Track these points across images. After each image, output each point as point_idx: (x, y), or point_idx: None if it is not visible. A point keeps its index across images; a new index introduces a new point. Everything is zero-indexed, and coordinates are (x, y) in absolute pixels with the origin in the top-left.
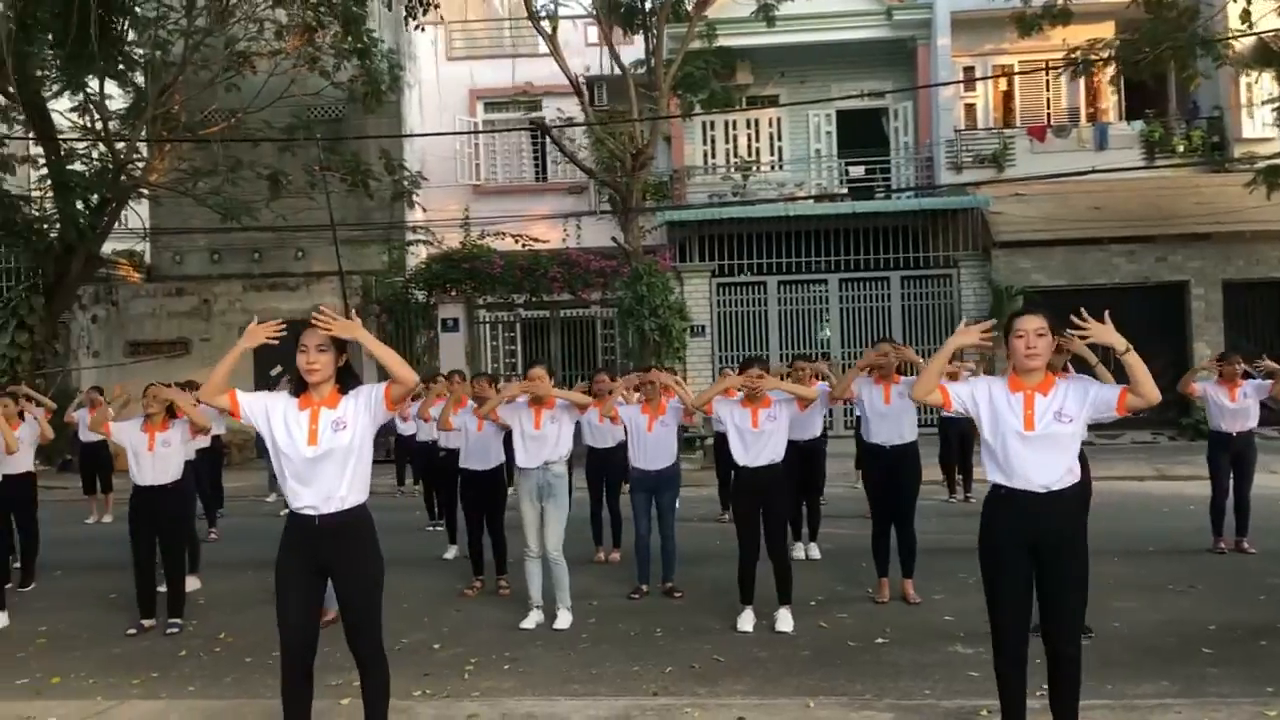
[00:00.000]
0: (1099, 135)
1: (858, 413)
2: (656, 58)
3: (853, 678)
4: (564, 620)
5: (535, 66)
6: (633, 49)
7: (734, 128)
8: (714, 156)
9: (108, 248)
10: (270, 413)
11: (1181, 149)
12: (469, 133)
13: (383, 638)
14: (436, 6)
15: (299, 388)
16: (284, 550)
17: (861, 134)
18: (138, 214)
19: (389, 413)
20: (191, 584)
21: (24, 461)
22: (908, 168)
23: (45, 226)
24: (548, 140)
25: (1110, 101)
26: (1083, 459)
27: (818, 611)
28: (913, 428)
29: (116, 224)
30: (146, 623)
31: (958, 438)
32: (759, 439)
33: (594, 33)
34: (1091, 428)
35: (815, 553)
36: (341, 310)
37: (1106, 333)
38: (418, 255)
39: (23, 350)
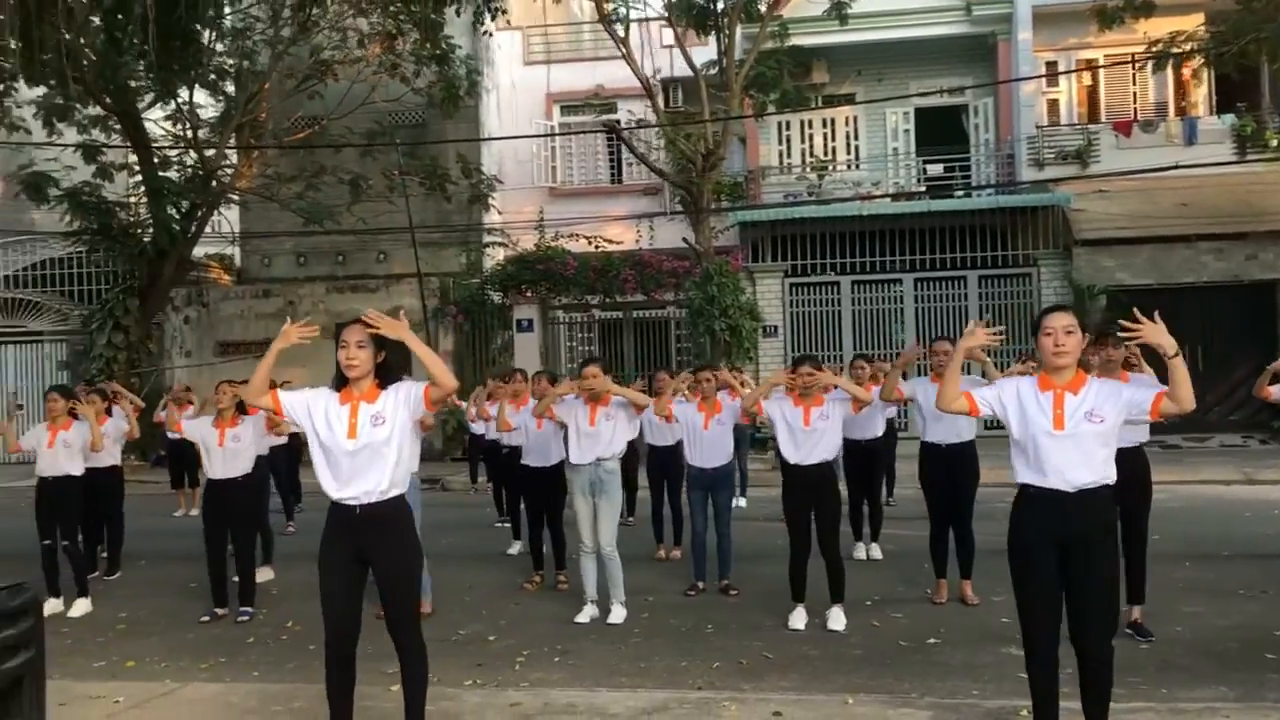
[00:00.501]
0: (1188, 130)
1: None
2: (728, 58)
3: (900, 677)
4: (617, 615)
5: (612, 69)
6: (708, 50)
7: (809, 127)
8: (789, 156)
9: (200, 251)
10: (312, 409)
11: (1275, 143)
12: (542, 136)
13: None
14: (504, 12)
15: (340, 383)
16: (325, 540)
17: (940, 132)
18: (227, 219)
19: (427, 411)
20: (265, 575)
21: (110, 456)
22: (988, 165)
23: (139, 231)
24: (624, 144)
25: (1200, 95)
26: (1144, 460)
27: (873, 611)
28: (970, 426)
29: (208, 229)
30: (219, 610)
31: None
32: (810, 437)
33: (671, 34)
34: (1178, 429)
35: (876, 553)
36: (419, 312)
37: (1157, 333)
38: (495, 257)
39: (119, 350)
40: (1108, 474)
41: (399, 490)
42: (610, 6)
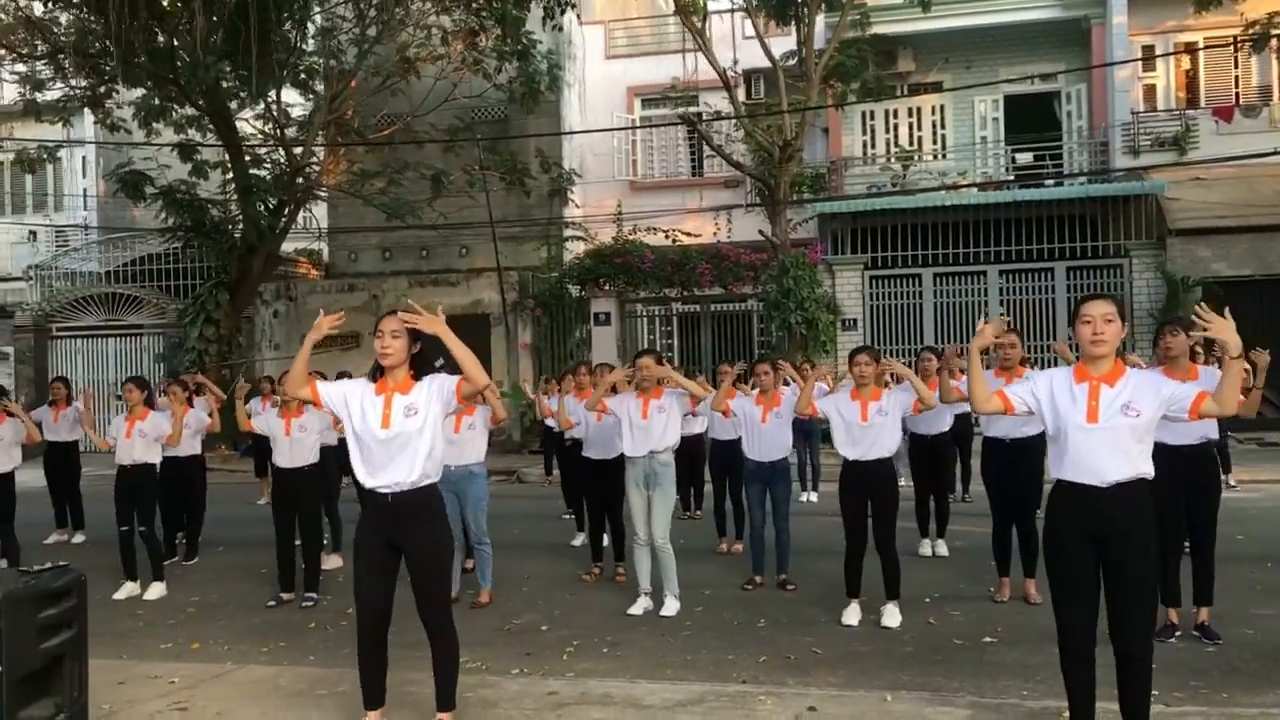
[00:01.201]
0: None
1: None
2: (807, 48)
3: (950, 675)
4: (671, 607)
5: (693, 62)
6: (790, 40)
7: (894, 117)
8: (873, 147)
9: (290, 247)
10: (349, 399)
11: None
12: (619, 129)
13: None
14: (574, 6)
15: (377, 374)
16: (360, 527)
17: (1031, 119)
18: (314, 216)
19: (458, 405)
20: (333, 562)
21: (191, 446)
22: (1080, 153)
23: (230, 228)
24: (715, 134)
25: None
26: (1210, 458)
27: (931, 608)
28: (1037, 421)
29: (298, 224)
30: (285, 596)
31: None
32: (867, 433)
33: (749, 27)
34: (1260, 427)
35: (943, 549)
36: (499, 305)
37: (1225, 330)
38: (575, 251)
39: (210, 343)
40: (1143, 468)
41: (431, 480)
42: None
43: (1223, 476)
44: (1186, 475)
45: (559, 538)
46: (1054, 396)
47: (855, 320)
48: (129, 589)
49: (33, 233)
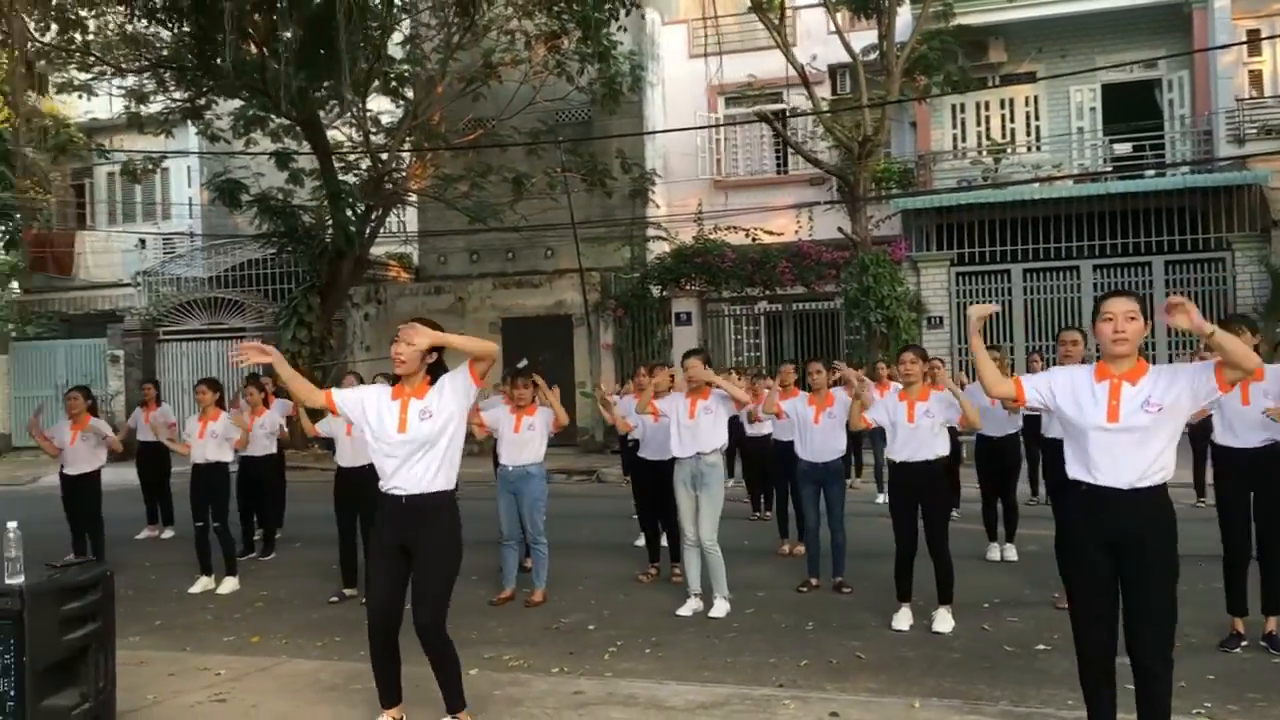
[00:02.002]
0: None
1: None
2: (888, 42)
3: (994, 683)
4: (720, 609)
5: (777, 59)
6: (874, 35)
7: (985, 109)
8: (964, 140)
9: (381, 251)
10: (365, 404)
11: None
12: (698, 128)
13: (446, 617)
14: (638, 6)
15: (394, 378)
16: (375, 529)
17: (1131, 109)
18: (401, 221)
19: (477, 388)
20: None
21: (266, 445)
22: (1183, 143)
23: (320, 233)
24: (787, 132)
25: None
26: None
27: (988, 614)
28: None
29: (390, 228)
30: (348, 592)
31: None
32: (915, 434)
33: (839, 20)
34: None
35: (1011, 554)
36: (581, 306)
37: (1184, 316)
38: (658, 251)
39: (303, 345)
40: (1165, 471)
41: (445, 485)
42: None
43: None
44: (1252, 477)
45: (626, 538)
46: (1074, 393)
47: (941, 318)
48: (203, 583)
49: (142, 240)
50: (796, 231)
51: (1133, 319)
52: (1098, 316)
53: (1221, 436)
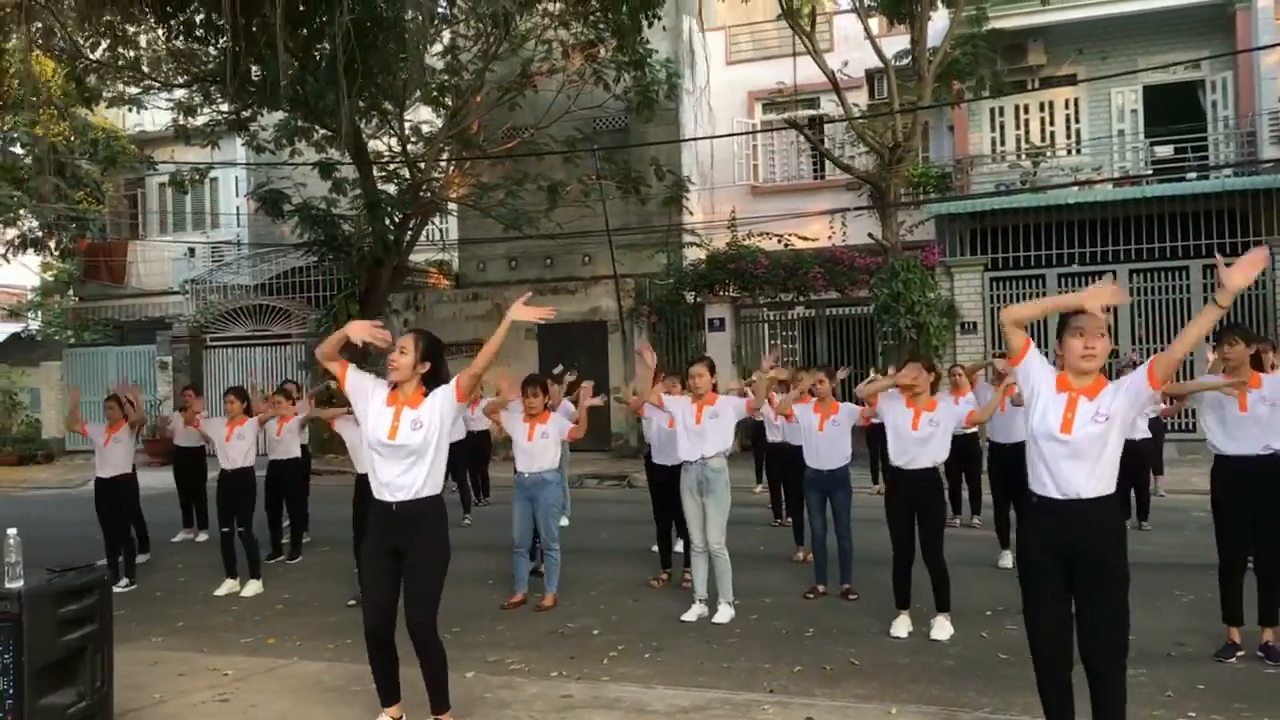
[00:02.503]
0: None
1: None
2: (919, 47)
3: (984, 691)
4: (724, 614)
5: (808, 65)
6: (908, 40)
7: (1024, 112)
8: (1003, 144)
9: (421, 258)
10: (370, 399)
11: None
12: (732, 135)
13: (437, 619)
14: (659, 18)
15: (392, 383)
16: (367, 534)
17: (1173, 111)
18: (438, 228)
19: (460, 404)
20: None
21: (293, 448)
22: (1226, 145)
23: (359, 241)
24: (825, 139)
25: None
26: None
27: (989, 622)
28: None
29: (427, 237)
30: None
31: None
32: (916, 443)
33: (873, 26)
34: None
35: None
36: (615, 313)
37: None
38: (695, 258)
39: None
40: (1112, 482)
41: (433, 490)
42: (799, 1)
43: (1153, 479)
44: (1251, 486)
45: (644, 543)
46: (1039, 398)
47: (975, 324)
48: (229, 586)
49: (191, 249)
50: (830, 237)
51: (1102, 336)
52: (1066, 331)
53: (1221, 445)
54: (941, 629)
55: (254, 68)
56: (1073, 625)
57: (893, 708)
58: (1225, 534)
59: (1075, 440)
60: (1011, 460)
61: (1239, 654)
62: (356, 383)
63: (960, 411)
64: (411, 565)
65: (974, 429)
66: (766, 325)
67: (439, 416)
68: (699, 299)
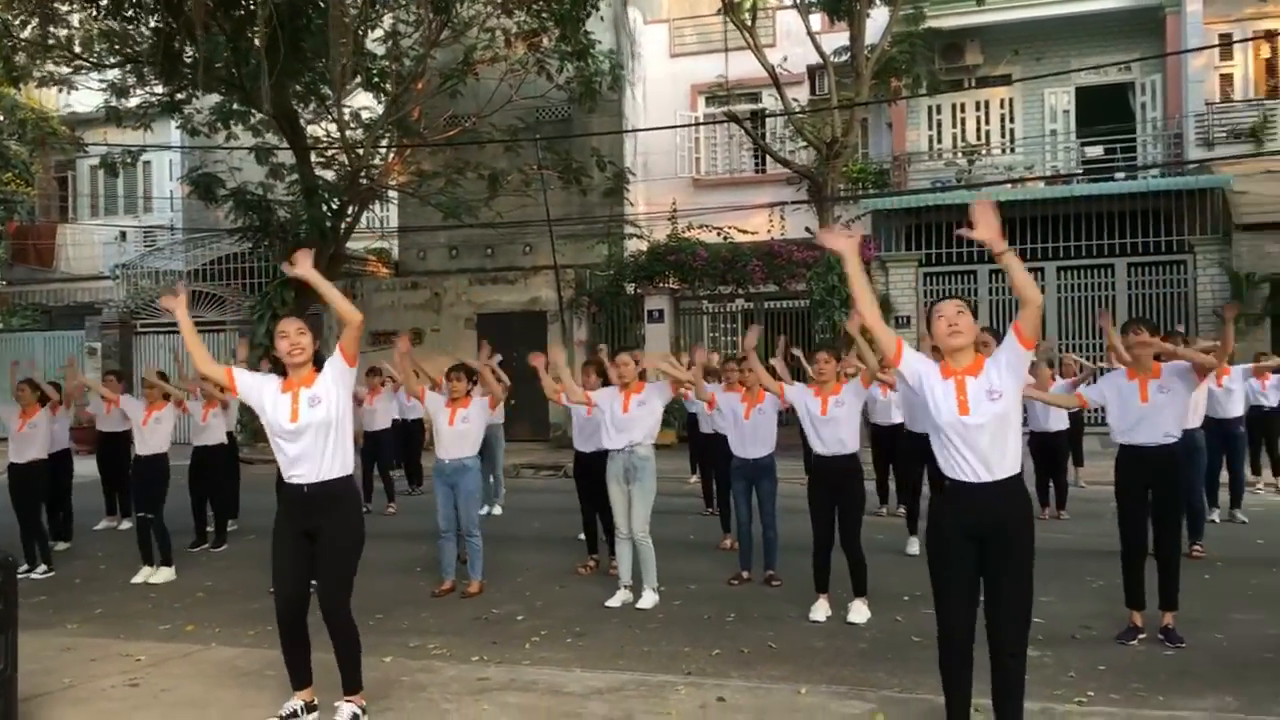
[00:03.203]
0: None
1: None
2: (858, 43)
3: (894, 672)
4: (648, 600)
5: (756, 61)
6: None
7: (961, 111)
8: (940, 141)
9: (360, 246)
10: (263, 393)
11: None
12: (674, 127)
13: (350, 603)
14: (596, 8)
15: (281, 370)
16: (278, 517)
17: (1105, 113)
18: (385, 216)
19: (352, 369)
20: None
21: (218, 434)
22: (1155, 146)
23: (295, 228)
24: (767, 133)
25: None
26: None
27: (906, 606)
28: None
29: (370, 224)
30: None
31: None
32: (828, 426)
33: (816, 22)
34: None
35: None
36: (555, 303)
37: (985, 227)
38: (636, 249)
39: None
40: (1017, 463)
41: (342, 471)
42: None
43: (1072, 470)
44: (1150, 477)
45: (576, 531)
46: (931, 390)
47: (909, 318)
48: (145, 573)
49: (123, 233)
50: (770, 231)
51: (962, 313)
52: (931, 322)
53: (1122, 435)
54: (858, 613)
55: (188, 49)
56: (978, 605)
57: (803, 688)
58: (1126, 521)
59: (975, 421)
60: (921, 448)
61: (1140, 637)
62: (247, 382)
63: (863, 394)
64: (324, 547)
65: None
66: (706, 317)
67: (335, 388)
68: (639, 290)
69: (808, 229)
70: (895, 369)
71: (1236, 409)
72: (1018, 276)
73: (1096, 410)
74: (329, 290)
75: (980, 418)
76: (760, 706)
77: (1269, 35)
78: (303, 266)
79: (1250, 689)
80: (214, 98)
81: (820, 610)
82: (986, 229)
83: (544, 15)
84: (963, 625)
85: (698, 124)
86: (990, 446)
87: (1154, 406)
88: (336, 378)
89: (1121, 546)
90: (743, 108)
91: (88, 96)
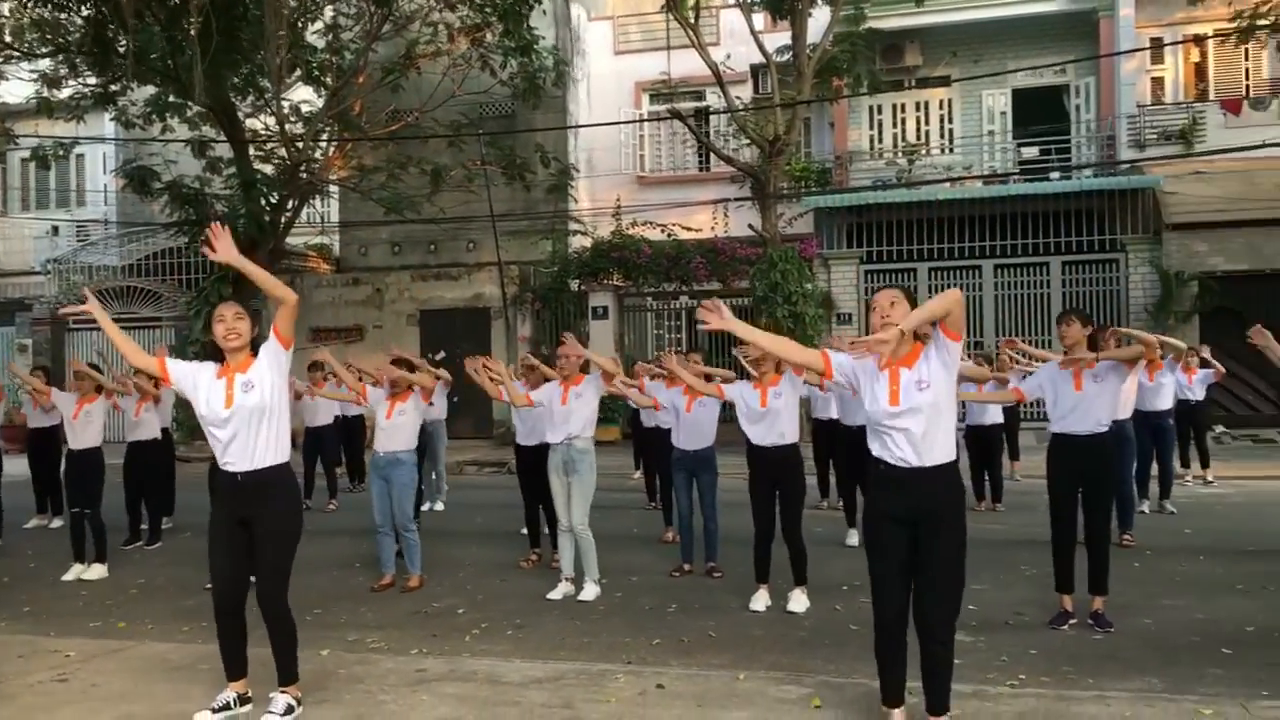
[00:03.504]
0: None
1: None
2: (799, 42)
3: (831, 659)
4: (589, 592)
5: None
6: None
7: (902, 111)
8: (881, 141)
9: (300, 241)
10: (197, 381)
11: None
12: (616, 123)
13: (288, 593)
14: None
15: (217, 357)
16: (213, 506)
17: (1041, 114)
18: (326, 211)
19: (287, 352)
20: None
21: (152, 429)
22: (1088, 148)
23: (233, 222)
24: (712, 130)
25: None
26: (1104, 450)
27: (846, 595)
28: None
29: (311, 219)
30: None
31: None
32: (765, 417)
33: (760, 21)
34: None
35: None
36: (499, 299)
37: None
38: (583, 245)
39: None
40: (950, 451)
41: (278, 458)
42: None
43: (1008, 463)
44: (1081, 464)
45: (519, 526)
46: (866, 379)
47: (850, 314)
48: (76, 570)
49: (54, 227)
50: (713, 229)
51: (895, 304)
52: (871, 313)
53: (1056, 423)
54: (798, 602)
55: (121, 39)
56: (910, 585)
57: (741, 674)
58: (1057, 508)
59: (906, 411)
60: (856, 441)
61: (1071, 621)
62: (181, 371)
63: (800, 384)
64: (261, 536)
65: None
66: (650, 314)
67: (270, 373)
68: (583, 287)
69: (750, 226)
70: (829, 380)
71: (1165, 402)
72: (929, 315)
73: (1033, 404)
74: (257, 272)
75: (911, 407)
76: (699, 693)
77: (1198, 40)
78: (223, 250)
79: (1175, 670)
80: (149, 89)
81: (760, 600)
82: (880, 343)
83: (487, 10)
84: (895, 608)
85: (642, 120)
86: (922, 434)
87: (1087, 396)
88: (271, 362)
89: (1052, 532)
90: (687, 105)
91: (18, 87)
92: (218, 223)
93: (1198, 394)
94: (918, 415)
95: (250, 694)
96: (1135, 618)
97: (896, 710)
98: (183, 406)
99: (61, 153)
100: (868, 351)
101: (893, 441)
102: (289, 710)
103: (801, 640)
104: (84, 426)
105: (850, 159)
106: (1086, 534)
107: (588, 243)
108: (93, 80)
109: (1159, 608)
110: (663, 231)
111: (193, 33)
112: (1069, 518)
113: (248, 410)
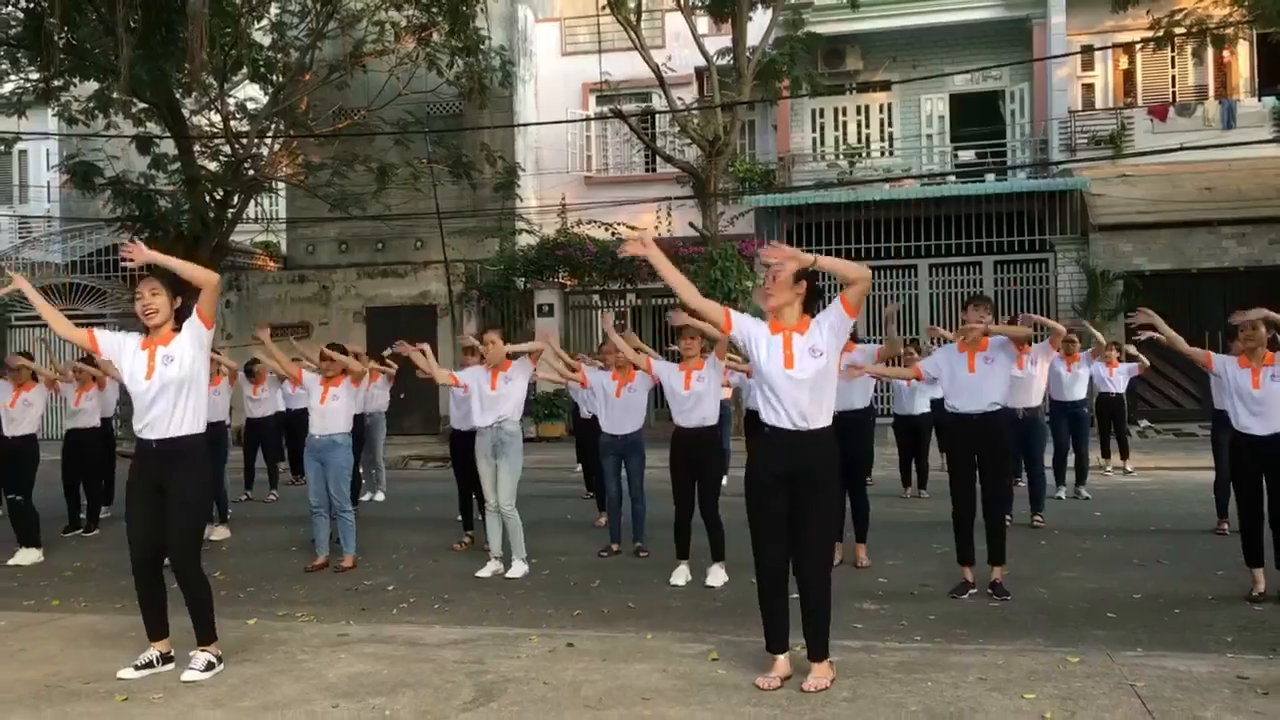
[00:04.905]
0: (1225, 113)
1: None
2: (740, 45)
3: (740, 626)
4: (517, 570)
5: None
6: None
7: (843, 114)
8: (823, 144)
9: (246, 238)
10: (122, 352)
11: None
12: (562, 122)
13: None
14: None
15: (143, 330)
16: (131, 472)
17: (978, 118)
18: (273, 208)
19: (209, 330)
20: (220, 533)
21: (92, 418)
22: (1022, 151)
23: (177, 218)
24: (657, 131)
25: (1241, 78)
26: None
27: None
28: (864, 396)
29: (255, 215)
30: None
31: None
32: (689, 400)
33: (703, 24)
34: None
35: None
36: (445, 296)
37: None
38: (530, 244)
39: None
40: (829, 416)
41: (193, 429)
42: None
43: (935, 453)
44: (977, 440)
45: (455, 513)
46: (758, 343)
47: None
48: (22, 555)
49: None
50: (658, 228)
51: (776, 276)
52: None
53: (953, 403)
54: (714, 577)
55: (62, 33)
56: (788, 539)
57: (649, 634)
58: (956, 483)
59: (799, 375)
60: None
61: (971, 591)
62: (110, 342)
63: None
64: (173, 504)
65: None
66: (596, 312)
67: (190, 348)
68: (529, 285)
69: (691, 224)
70: (727, 334)
71: (1081, 392)
72: (839, 267)
73: None
74: (177, 263)
75: (803, 373)
76: (605, 650)
77: (1127, 47)
78: (140, 255)
79: (1060, 632)
80: (93, 85)
81: (681, 575)
82: (777, 252)
83: (432, 9)
84: (776, 560)
85: (586, 119)
86: (810, 399)
87: (979, 376)
88: (193, 339)
89: (952, 506)
90: (632, 107)
91: None
92: (131, 242)
93: (1119, 386)
94: (809, 381)
95: (173, 653)
96: (1032, 588)
97: (780, 656)
98: (129, 403)
99: (3, 148)
100: (781, 260)
101: (780, 404)
102: (209, 666)
103: (715, 610)
104: (21, 414)
105: (793, 161)
106: (984, 507)
107: (534, 241)
108: (34, 75)
109: (1056, 579)
110: (608, 231)
111: (121, 30)
112: (968, 491)
113: (168, 383)
